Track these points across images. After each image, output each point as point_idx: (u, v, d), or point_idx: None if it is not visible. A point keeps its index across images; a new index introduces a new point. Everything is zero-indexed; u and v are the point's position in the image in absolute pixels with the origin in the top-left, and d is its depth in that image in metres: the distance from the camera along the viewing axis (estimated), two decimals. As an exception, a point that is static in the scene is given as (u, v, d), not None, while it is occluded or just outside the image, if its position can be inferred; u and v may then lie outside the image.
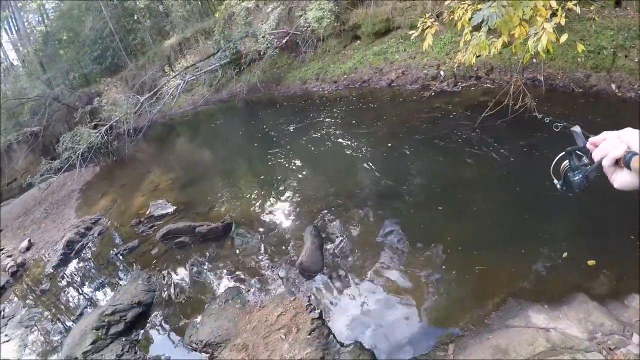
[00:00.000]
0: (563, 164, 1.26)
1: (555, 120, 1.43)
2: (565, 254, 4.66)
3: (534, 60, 8.37)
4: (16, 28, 31.46)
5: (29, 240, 10.56)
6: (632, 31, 7.92)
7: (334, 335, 4.57)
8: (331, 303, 5.17)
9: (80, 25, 25.72)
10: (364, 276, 5.40)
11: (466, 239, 5.48)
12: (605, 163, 1.10)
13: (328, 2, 13.86)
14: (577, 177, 1.21)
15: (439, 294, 4.81)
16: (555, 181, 1.31)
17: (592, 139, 1.17)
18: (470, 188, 6.65)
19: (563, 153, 1.26)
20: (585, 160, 1.20)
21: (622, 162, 1.05)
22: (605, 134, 1.13)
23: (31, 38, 30.67)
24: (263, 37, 15.30)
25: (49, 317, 7.21)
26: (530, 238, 5.10)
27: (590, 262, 4.43)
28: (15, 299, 8.29)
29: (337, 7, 14.21)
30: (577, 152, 1.22)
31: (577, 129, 1.21)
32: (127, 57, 24.42)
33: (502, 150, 7.07)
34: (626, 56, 7.86)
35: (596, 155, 1.13)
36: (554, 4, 5.12)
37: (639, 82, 7.52)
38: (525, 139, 6.99)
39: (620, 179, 1.08)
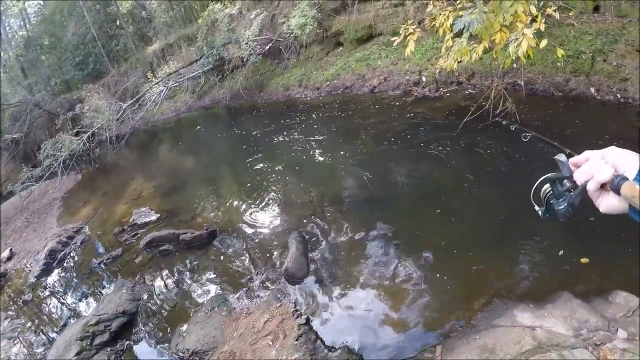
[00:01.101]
0: (543, 188, 1.16)
1: (523, 129, 1.36)
2: (561, 252, 4.76)
3: (514, 65, 8.52)
4: (-2, 33, 30.99)
5: (10, 250, 10.34)
6: (610, 36, 8.12)
7: (321, 340, 4.56)
8: (317, 308, 5.16)
9: (63, 31, 25.48)
10: (350, 280, 5.41)
11: (451, 242, 5.54)
12: (590, 187, 1.01)
13: (311, 9, 13.94)
14: (562, 207, 1.11)
15: (425, 296, 4.84)
16: (537, 208, 1.20)
17: (573, 159, 1.08)
18: (455, 192, 6.72)
19: (543, 178, 1.16)
20: (567, 183, 1.10)
21: (609, 187, 0.97)
22: (588, 153, 1.05)
23: (12, 43, 30.21)
24: (246, 43, 15.32)
25: (32, 328, 7.05)
26: (515, 241, 5.18)
27: (584, 260, 4.53)
28: (-3, 310, 8.11)
29: (319, 14, 14.31)
30: (559, 179, 1.12)
31: (561, 157, 1.11)
32: (109, 63, 24.21)
33: (485, 154, 7.17)
34: (604, 60, 8.05)
35: (579, 178, 1.04)
36: (534, 10, 5.22)
37: (617, 85, 7.70)
38: (507, 142, 7.09)
39: (607, 204, 1.00)
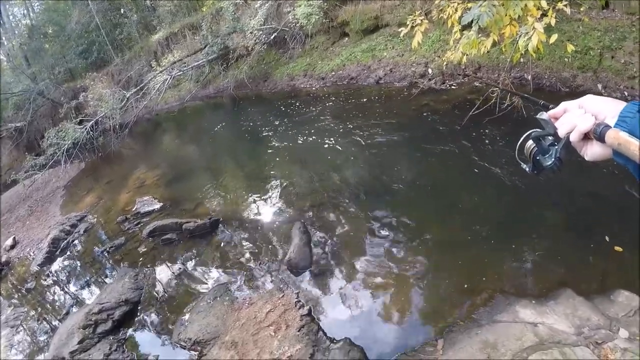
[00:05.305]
0: (527, 145, 1.18)
1: (500, 87, 1.32)
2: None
3: (522, 59, 8.43)
4: (1, 21, 30.85)
5: (14, 238, 10.39)
6: (619, 32, 8.02)
7: (323, 332, 4.58)
8: (320, 299, 5.17)
9: (66, 19, 25.33)
10: (353, 272, 5.41)
11: (455, 235, 5.53)
12: (573, 138, 1.02)
13: (317, -1, 13.86)
14: (549, 162, 1.12)
15: (428, 289, 4.85)
16: (524, 165, 1.22)
17: (552, 111, 1.10)
18: (459, 185, 6.70)
19: (525, 135, 1.18)
20: (550, 138, 1.12)
21: (592, 135, 0.98)
22: (565, 104, 1.08)
23: (16, 32, 30.09)
24: (251, 32, 15.24)
25: (35, 316, 7.10)
26: (520, 235, 5.17)
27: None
28: (0, 298, 8.16)
29: (325, 4, 14.22)
30: (542, 135, 1.14)
31: (543, 115, 1.12)
32: (113, 51, 24.04)
33: (491, 147, 7.13)
34: (612, 57, 7.96)
35: (561, 130, 1.06)
36: (544, 4, 5.15)
37: (624, 82, 7.63)
38: (513, 137, 7.04)
39: (592, 152, 1.01)
